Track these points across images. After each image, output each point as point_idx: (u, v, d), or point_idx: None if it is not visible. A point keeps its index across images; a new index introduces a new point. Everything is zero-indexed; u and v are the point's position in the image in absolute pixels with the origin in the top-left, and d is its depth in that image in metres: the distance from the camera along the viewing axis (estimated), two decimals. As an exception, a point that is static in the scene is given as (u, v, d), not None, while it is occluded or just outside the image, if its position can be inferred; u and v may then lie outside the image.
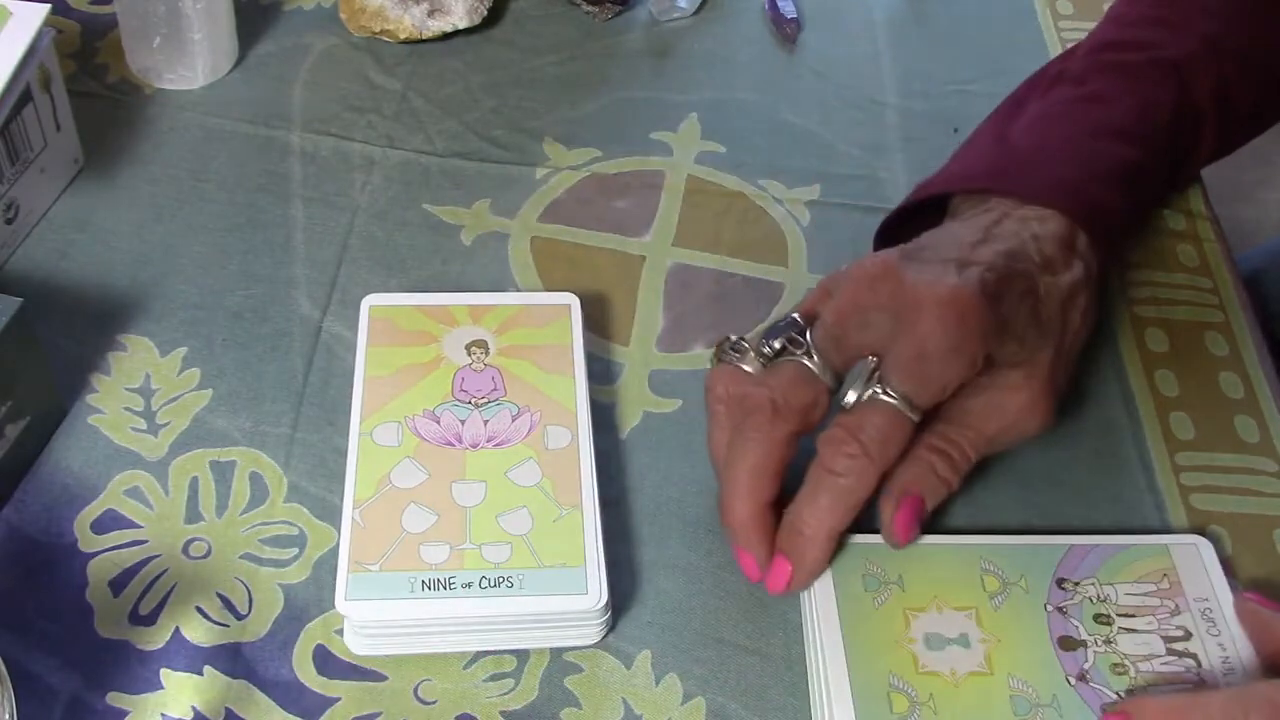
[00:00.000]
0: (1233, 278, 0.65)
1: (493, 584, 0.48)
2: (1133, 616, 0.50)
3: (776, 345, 0.51)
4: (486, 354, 0.56)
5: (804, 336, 0.51)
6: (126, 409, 0.56)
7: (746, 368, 0.52)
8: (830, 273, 0.54)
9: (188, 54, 0.69)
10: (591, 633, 0.49)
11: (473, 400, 0.54)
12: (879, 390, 0.49)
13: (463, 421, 0.53)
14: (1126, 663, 0.48)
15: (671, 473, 0.56)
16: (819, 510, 0.49)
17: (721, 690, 0.49)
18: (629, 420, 0.57)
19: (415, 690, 0.48)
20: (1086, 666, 0.48)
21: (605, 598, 0.48)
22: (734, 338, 0.53)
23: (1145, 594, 0.50)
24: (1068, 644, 0.49)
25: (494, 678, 0.49)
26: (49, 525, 0.52)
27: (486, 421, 0.53)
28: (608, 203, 0.67)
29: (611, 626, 0.50)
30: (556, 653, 0.50)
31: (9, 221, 0.61)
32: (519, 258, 0.63)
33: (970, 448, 0.51)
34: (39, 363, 0.53)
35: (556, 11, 0.78)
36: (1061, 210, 0.55)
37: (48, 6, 0.59)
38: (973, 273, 0.50)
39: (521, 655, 0.49)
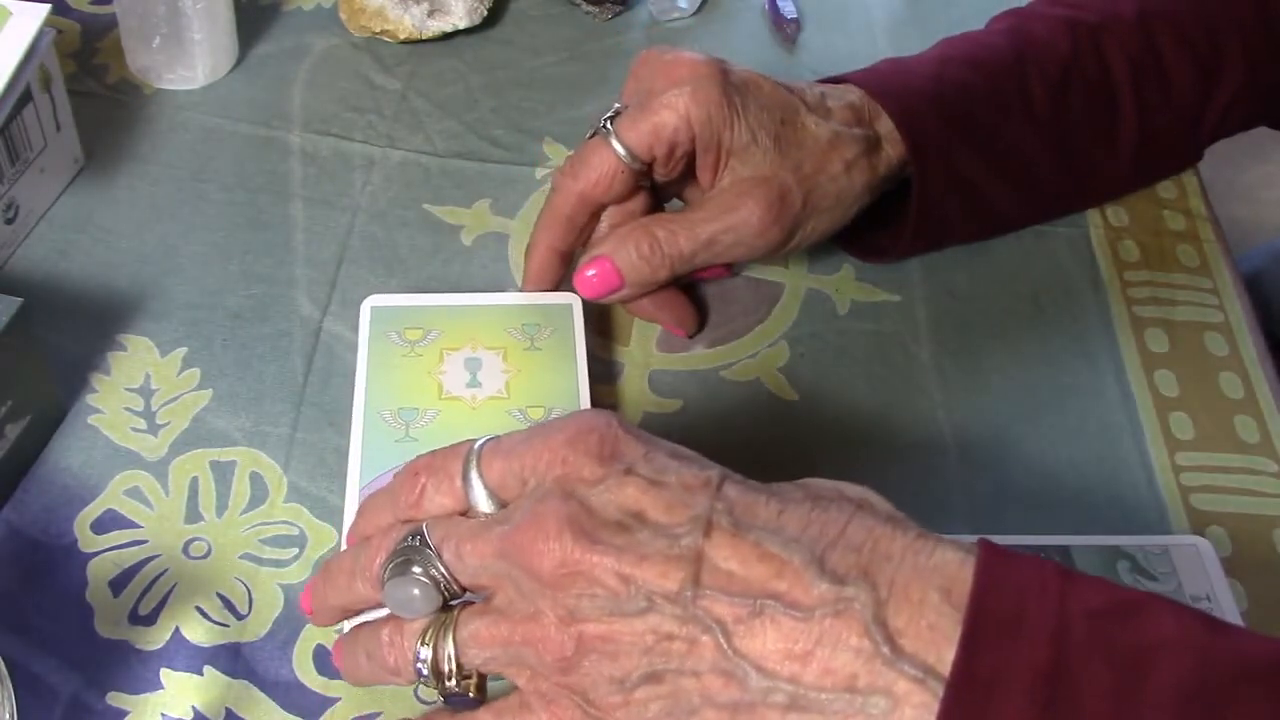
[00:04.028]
0: (1233, 278, 0.65)
1: (493, 584, 0.48)
2: None
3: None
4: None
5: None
6: (126, 409, 0.56)
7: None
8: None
9: (188, 54, 0.69)
10: (591, 633, 0.49)
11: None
12: (605, 129, 0.55)
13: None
14: None
15: (671, 473, 0.55)
16: (538, 225, 0.58)
17: (721, 690, 0.49)
18: (629, 420, 0.57)
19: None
20: None
21: (605, 598, 0.48)
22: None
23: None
24: None
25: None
26: (49, 525, 0.52)
27: None
28: (608, 203, 0.67)
29: (611, 626, 0.50)
30: (556, 653, 0.49)
31: (9, 221, 0.61)
32: (519, 258, 0.63)
33: (684, 237, 0.55)
34: (39, 363, 0.53)
35: (556, 11, 0.78)
36: (858, 83, 0.58)
37: (48, 6, 0.59)
38: (723, 60, 0.55)
39: (521, 655, 0.49)
